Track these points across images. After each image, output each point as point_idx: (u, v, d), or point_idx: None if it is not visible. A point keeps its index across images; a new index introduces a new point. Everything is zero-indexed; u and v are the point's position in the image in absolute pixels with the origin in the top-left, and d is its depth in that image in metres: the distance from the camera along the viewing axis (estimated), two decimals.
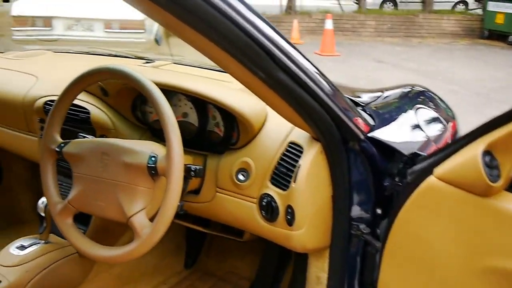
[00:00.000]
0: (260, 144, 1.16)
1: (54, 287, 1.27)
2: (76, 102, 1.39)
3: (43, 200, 1.26)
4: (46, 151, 1.13)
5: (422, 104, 1.44)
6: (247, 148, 1.18)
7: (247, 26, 0.74)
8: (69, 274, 1.32)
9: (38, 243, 1.29)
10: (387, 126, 1.15)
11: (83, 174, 1.07)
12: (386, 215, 1.06)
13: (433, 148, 1.22)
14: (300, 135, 1.10)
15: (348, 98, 1.26)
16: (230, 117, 1.19)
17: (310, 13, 12.36)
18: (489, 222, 0.80)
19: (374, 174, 1.08)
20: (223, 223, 1.29)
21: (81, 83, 1.11)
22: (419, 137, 1.24)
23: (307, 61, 0.89)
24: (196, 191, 1.23)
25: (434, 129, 1.34)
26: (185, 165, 1.09)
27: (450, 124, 1.46)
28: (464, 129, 1.33)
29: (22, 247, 1.26)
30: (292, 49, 0.85)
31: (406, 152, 1.04)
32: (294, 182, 1.05)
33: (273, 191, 1.10)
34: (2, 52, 1.93)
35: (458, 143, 0.84)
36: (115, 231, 1.47)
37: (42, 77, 1.59)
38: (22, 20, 5.45)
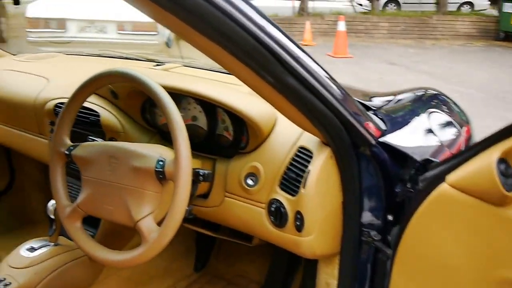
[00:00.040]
0: (269, 149, 1.15)
1: None
2: (86, 104, 1.40)
3: (52, 202, 1.26)
4: (55, 154, 1.13)
5: (435, 108, 1.41)
6: (256, 152, 1.16)
7: (254, 29, 0.73)
8: (78, 276, 1.32)
9: (48, 245, 1.29)
10: (399, 131, 1.13)
11: (91, 178, 1.07)
12: (398, 222, 1.04)
13: (446, 153, 1.19)
14: (309, 139, 1.08)
15: (359, 102, 1.24)
16: (239, 121, 1.18)
17: (322, 15, 12.32)
18: (503, 232, 0.78)
19: (385, 180, 1.06)
20: (232, 228, 1.28)
21: (90, 86, 1.11)
22: (431, 142, 1.21)
23: (316, 65, 0.88)
24: (205, 195, 1.22)
25: (448, 134, 1.31)
26: (193, 169, 1.09)
27: (464, 128, 1.43)
28: (479, 133, 1.30)
29: (32, 249, 1.26)
30: (301, 52, 0.84)
31: (418, 158, 1.02)
32: (304, 187, 1.04)
33: (282, 196, 1.09)
34: (14, 54, 1.95)
35: (472, 149, 0.82)
36: (124, 234, 1.47)
37: (53, 79, 1.60)
38: (36, 22, 5.52)
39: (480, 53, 9.91)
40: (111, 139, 1.37)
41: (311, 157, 1.06)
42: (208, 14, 0.68)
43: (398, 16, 12.38)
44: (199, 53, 0.81)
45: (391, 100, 1.41)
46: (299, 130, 1.09)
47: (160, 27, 5.08)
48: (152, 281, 1.63)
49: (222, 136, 1.26)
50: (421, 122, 1.28)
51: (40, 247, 1.27)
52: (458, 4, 14.28)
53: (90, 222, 1.40)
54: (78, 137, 1.41)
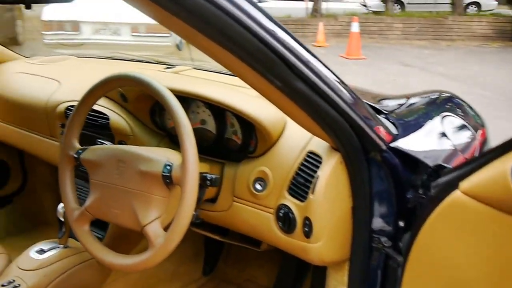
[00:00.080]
0: (278, 153, 1.14)
1: None
2: (96, 107, 1.40)
3: (62, 205, 1.26)
4: (64, 157, 1.13)
5: (450, 111, 1.39)
6: (265, 157, 1.15)
7: (262, 33, 0.72)
8: (87, 279, 1.32)
9: (57, 247, 1.30)
10: (411, 135, 1.11)
11: (99, 181, 1.07)
12: (409, 228, 1.02)
13: (460, 158, 1.17)
14: (319, 144, 1.07)
15: (370, 105, 1.22)
16: (248, 125, 1.17)
17: (336, 16, 12.27)
18: None
19: (396, 185, 1.04)
20: (240, 233, 1.27)
21: (99, 90, 1.11)
22: (445, 147, 1.19)
23: (326, 69, 0.86)
24: (213, 200, 1.21)
25: (462, 138, 1.28)
26: (201, 173, 1.08)
27: (479, 132, 1.40)
28: (495, 136, 1.27)
29: (42, 251, 1.27)
30: (311, 56, 0.82)
31: (430, 163, 1.00)
32: (312, 193, 1.02)
33: (291, 202, 1.07)
34: (28, 57, 1.97)
35: (487, 156, 0.79)
36: (132, 238, 1.47)
37: (64, 82, 1.61)
38: (52, 25, 5.60)
39: (496, 54, 9.76)
40: (120, 142, 1.38)
41: (320, 162, 1.04)
42: (214, 17, 0.67)
43: (412, 17, 12.27)
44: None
45: (403, 104, 1.38)
46: (309, 134, 1.08)
47: None
48: (160, 285, 1.63)
49: (231, 140, 1.25)
50: (434, 126, 1.25)
51: (49, 249, 1.28)
52: (464, 5, 14.10)
53: (99, 225, 1.41)
54: (88, 139, 1.42)
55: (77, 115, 1.13)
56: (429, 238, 0.93)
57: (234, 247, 1.77)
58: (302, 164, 1.08)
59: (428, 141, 1.17)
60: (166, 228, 0.98)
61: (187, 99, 1.26)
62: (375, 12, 13.21)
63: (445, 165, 0.96)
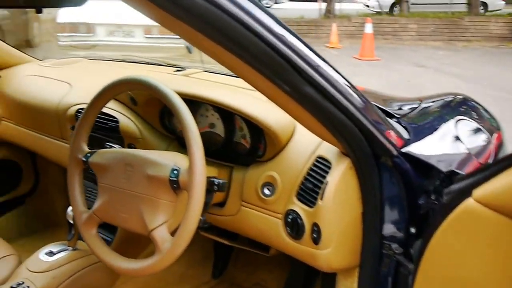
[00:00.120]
0: (287, 158, 1.12)
1: None
2: (106, 110, 1.41)
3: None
4: (73, 161, 1.14)
5: (464, 114, 1.36)
6: (274, 161, 1.14)
7: (269, 37, 0.71)
8: (96, 281, 1.32)
9: (67, 249, 1.30)
10: (424, 140, 1.09)
11: (107, 185, 1.06)
12: (420, 235, 1.00)
13: (474, 163, 1.14)
14: (328, 149, 1.05)
15: (381, 109, 1.20)
16: (257, 129, 1.16)
17: (349, 17, 12.20)
18: None
19: (408, 191, 1.02)
20: (249, 237, 1.26)
21: (107, 94, 1.11)
22: (459, 151, 1.16)
23: (336, 73, 0.85)
24: (221, 204, 1.21)
25: (476, 142, 1.25)
26: (208, 178, 1.07)
27: (495, 135, 1.37)
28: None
29: (51, 253, 1.27)
30: (320, 60, 0.81)
31: (443, 168, 0.97)
32: (321, 199, 1.00)
33: (299, 207, 1.06)
34: (41, 60, 1.99)
35: (501, 163, 0.77)
36: (141, 241, 1.47)
37: (75, 85, 1.62)
38: (67, 27, 5.68)
39: None
40: (129, 145, 1.38)
41: (329, 167, 1.03)
42: (220, 21, 0.66)
43: (427, 17, 12.13)
44: None
45: (416, 107, 1.36)
46: (318, 139, 1.06)
47: None
48: (168, 287, 1.63)
49: (240, 144, 1.24)
50: (448, 129, 1.22)
51: (58, 252, 1.28)
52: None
53: (108, 228, 1.41)
54: (97, 142, 1.42)
55: (86, 118, 1.13)
56: (441, 246, 0.91)
57: (243, 250, 1.76)
58: (311, 169, 1.06)
59: (441, 146, 1.14)
60: (173, 233, 0.98)
61: (196, 103, 1.26)
62: (378, 13, 13.10)
63: (458, 171, 0.94)
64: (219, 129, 1.27)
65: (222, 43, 0.69)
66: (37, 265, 1.23)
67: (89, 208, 1.12)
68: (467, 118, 1.33)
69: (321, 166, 1.05)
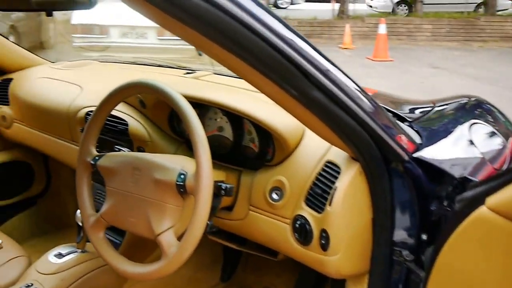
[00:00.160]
0: (295, 162, 1.11)
1: None
2: (115, 113, 1.41)
3: None
4: (81, 164, 1.14)
5: (478, 118, 1.32)
6: (282, 165, 1.13)
7: (277, 42, 0.70)
8: (104, 284, 1.32)
9: (76, 251, 1.31)
10: (436, 144, 1.06)
11: (115, 188, 1.06)
12: (432, 242, 0.98)
13: (488, 168, 1.11)
14: (337, 154, 1.03)
15: (393, 113, 1.18)
16: (265, 132, 1.15)
17: (363, 17, 12.12)
18: None
19: (419, 197, 1.00)
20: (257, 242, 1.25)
21: (115, 97, 1.11)
22: (472, 156, 1.13)
23: (345, 77, 0.83)
24: (229, 208, 1.20)
25: (491, 147, 1.22)
26: (216, 182, 1.07)
27: (510, 139, 1.33)
28: None
29: (60, 255, 1.28)
30: (330, 65, 0.79)
31: (456, 174, 0.95)
32: (330, 205, 0.99)
33: (308, 213, 1.04)
34: (53, 62, 2.01)
35: None
36: (149, 244, 1.46)
37: (86, 87, 1.63)
38: (81, 28, 5.75)
39: None
40: (139, 148, 1.38)
41: (338, 172, 1.01)
42: (226, 25, 0.65)
43: (442, 17, 11.99)
44: None
45: (429, 110, 1.33)
46: (327, 143, 1.05)
47: None
48: None
49: (248, 148, 1.24)
50: (461, 133, 1.20)
51: (67, 254, 1.29)
52: (476, 5, 13.66)
53: (117, 230, 1.41)
54: (107, 145, 1.43)
55: (94, 121, 1.13)
56: (453, 253, 0.89)
57: (252, 254, 1.75)
58: (320, 174, 1.05)
59: (455, 150, 1.11)
60: (180, 238, 0.97)
61: (204, 106, 1.25)
62: (382, 13, 12.98)
63: (471, 178, 0.91)
64: (228, 132, 1.26)
65: (228, 47, 0.68)
66: (46, 267, 1.24)
67: (98, 211, 1.12)
68: (481, 122, 1.30)
69: (330, 171, 1.03)
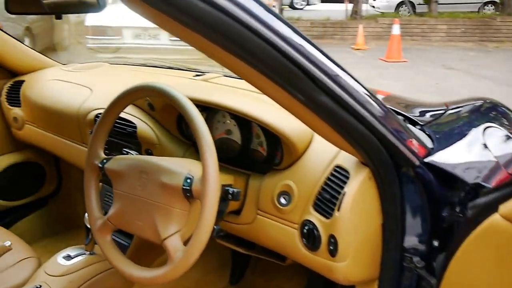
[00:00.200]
0: (304, 166, 1.09)
1: None
2: (124, 115, 1.41)
3: None
4: (89, 166, 1.14)
5: (493, 121, 1.29)
6: (291, 170, 1.11)
7: (284, 46, 0.69)
8: (112, 286, 1.32)
9: (84, 254, 1.31)
10: (449, 149, 1.04)
11: (122, 192, 1.06)
12: (444, 249, 0.96)
13: (502, 173, 1.08)
14: (347, 158, 1.02)
15: (405, 116, 1.16)
16: (274, 136, 1.14)
17: (376, 18, 12.03)
18: None
19: (431, 202, 0.98)
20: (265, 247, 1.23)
21: (123, 100, 1.11)
22: (486, 161, 1.10)
23: (354, 81, 0.82)
24: (237, 212, 1.19)
25: (506, 151, 1.19)
26: (223, 186, 1.06)
27: None
28: None
29: (69, 257, 1.28)
30: (339, 69, 0.78)
31: (469, 179, 0.93)
32: (338, 211, 0.97)
33: (316, 218, 1.03)
34: (64, 64, 2.02)
35: None
36: (157, 248, 1.46)
37: (96, 89, 1.64)
38: (95, 30, 5.81)
39: None
40: (147, 151, 1.38)
41: (347, 177, 0.99)
42: (232, 30, 0.64)
43: (457, 18, 11.84)
44: None
45: (442, 113, 1.30)
46: (336, 148, 1.03)
47: None
48: None
49: (256, 151, 1.23)
50: (475, 137, 1.17)
51: (76, 256, 1.29)
52: (480, 4, 13.43)
53: (126, 233, 1.41)
54: (116, 147, 1.43)
55: (102, 124, 1.13)
56: (465, 261, 0.87)
57: (261, 258, 1.74)
58: (329, 179, 1.03)
59: (467, 155, 1.09)
60: (186, 242, 0.97)
61: (213, 109, 1.24)
62: (383, 14, 12.86)
63: (485, 184, 0.89)
64: (236, 136, 1.25)
65: (232, 51, 0.67)
66: (54, 269, 1.24)
67: (103, 215, 1.12)
68: (496, 125, 1.27)
69: (338, 176, 1.02)
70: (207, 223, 0.91)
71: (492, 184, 0.91)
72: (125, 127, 1.41)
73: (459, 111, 1.37)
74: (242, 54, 0.67)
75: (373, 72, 7.14)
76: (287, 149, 1.12)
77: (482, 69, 7.80)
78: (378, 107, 0.87)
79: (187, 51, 5.17)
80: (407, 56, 8.51)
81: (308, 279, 1.56)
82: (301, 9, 17.16)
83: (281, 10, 13.03)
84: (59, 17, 1.21)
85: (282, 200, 1.10)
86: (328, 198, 1.01)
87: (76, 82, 1.74)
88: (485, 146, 1.14)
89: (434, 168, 0.96)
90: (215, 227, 0.95)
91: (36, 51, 1.99)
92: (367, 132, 0.85)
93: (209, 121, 1.30)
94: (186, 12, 0.60)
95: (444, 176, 0.96)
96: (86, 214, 1.28)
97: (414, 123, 1.14)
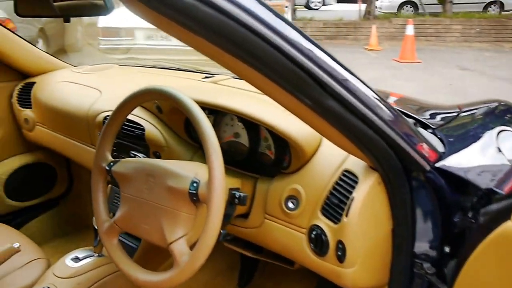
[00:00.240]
0: (312, 170, 1.08)
1: None
2: (132, 118, 1.41)
3: None
4: (97, 169, 1.14)
5: (508, 124, 1.26)
6: (299, 174, 1.10)
7: (289, 50, 0.67)
8: None
9: (92, 255, 1.31)
10: (461, 153, 1.02)
11: (129, 195, 1.06)
12: (455, 255, 0.94)
13: None
14: (355, 163, 1.00)
15: (416, 119, 1.13)
16: (282, 140, 1.12)
17: (390, 18, 11.92)
18: None
19: (442, 207, 0.95)
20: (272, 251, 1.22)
21: (130, 104, 1.11)
22: (500, 165, 1.07)
23: (363, 85, 0.80)
24: (245, 215, 1.18)
25: None
26: (230, 190, 1.05)
27: None
28: None
29: (77, 259, 1.28)
30: (348, 74, 0.77)
31: (482, 185, 0.91)
32: (346, 216, 0.95)
33: (324, 223, 1.01)
34: (75, 66, 2.03)
35: None
36: (164, 251, 1.46)
37: (105, 91, 1.64)
38: (108, 31, 5.86)
39: None
40: (155, 153, 1.37)
41: (356, 182, 0.98)
42: (239, 36, 0.63)
43: (472, 18, 11.67)
44: None
45: (455, 116, 1.28)
46: (345, 152, 1.01)
47: None
48: None
49: (264, 155, 1.22)
50: (488, 141, 1.14)
51: (84, 258, 1.29)
52: (484, 4, 13.19)
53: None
54: (124, 149, 1.43)
55: (109, 127, 1.13)
56: (477, 268, 0.85)
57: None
58: (337, 183, 1.01)
59: (480, 159, 1.06)
60: (192, 246, 0.96)
61: (221, 112, 1.24)
62: (386, 14, 12.75)
63: (497, 190, 0.87)
64: (244, 139, 1.24)
65: (238, 55, 0.66)
66: (63, 271, 1.24)
67: (111, 217, 1.12)
68: (511, 129, 1.24)
69: (347, 181, 1.00)
70: (213, 228, 0.90)
71: (505, 190, 0.88)
72: (133, 129, 1.41)
73: (472, 113, 1.34)
74: (247, 58, 0.66)
75: (387, 73, 7.08)
76: (295, 152, 1.11)
77: (497, 70, 7.67)
78: (387, 111, 0.85)
79: (198, 52, 5.21)
80: (421, 57, 8.41)
81: (317, 283, 1.55)
82: (316, 9, 17.11)
83: (294, 10, 13.00)
84: (67, 20, 1.21)
85: (290, 204, 1.08)
86: (336, 203, 0.99)
87: (85, 84, 1.75)
88: (499, 150, 1.11)
89: (445, 173, 0.94)
90: (221, 231, 0.94)
91: (50, 52, 2.01)
92: (376, 136, 0.84)
93: (217, 124, 1.29)
94: (189, 16, 0.59)
95: (456, 181, 0.94)
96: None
97: (425, 127, 1.12)
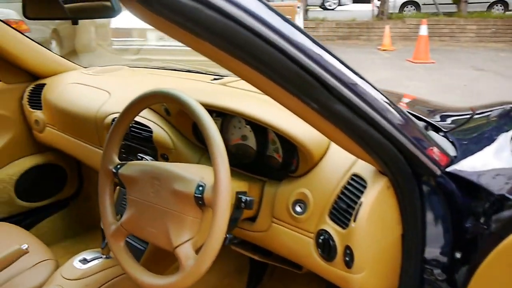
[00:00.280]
0: (320, 174, 1.06)
1: None
2: (140, 120, 1.41)
3: None
4: (103, 171, 1.14)
5: None
6: (306, 177, 1.08)
7: (296, 53, 0.66)
8: None
9: (100, 257, 1.31)
10: (473, 157, 0.99)
11: (135, 198, 1.05)
12: (467, 261, 0.91)
13: None
14: (364, 167, 0.98)
15: (428, 122, 1.11)
16: (290, 143, 1.11)
17: (403, 18, 11.82)
18: None
19: (453, 213, 0.93)
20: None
21: (136, 106, 1.11)
22: None
23: (373, 89, 0.79)
24: (253, 219, 1.16)
25: None
26: (237, 193, 1.04)
27: None
28: None
29: (85, 261, 1.29)
30: (357, 78, 0.76)
31: (494, 190, 0.89)
32: (354, 221, 0.94)
33: (331, 227, 1.00)
34: (85, 67, 2.04)
35: None
36: (171, 254, 1.45)
37: (114, 93, 1.64)
38: (120, 32, 5.91)
39: None
40: (163, 155, 1.37)
41: (365, 186, 0.96)
42: (241, 37, 0.62)
43: (488, 17, 11.51)
44: None
45: (468, 118, 1.25)
46: (353, 156, 1.00)
47: None
48: None
49: (272, 158, 1.20)
50: (501, 145, 1.11)
51: (92, 259, 1.29)
52: (488, 4, 12.99)
53: None
54: (132, 151, 1.43)
55: (116, 130, 1.13)
56: (489, 276, 0.83)
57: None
58: (345, 188, 1.00)
59: (492, 163, 1.03)
60: (198, 250, 0.95)
61: (229, 114, 1.23)
62: (391, 14, 12.61)
63: (510, 196, 0.84)
64: (251, 141, 1.23)
65: (242, 58, 0.65)
66: (71, 272, 1.25)
67: (117, 220, 1.12)
68: None
69: (355, 185, 0.98)
70: (218, 232, 0.89)
71: None
72: (141, 131, 1.41)
73: (486, 116, 1.31)
74: (251, 62, 0.65)
75: (400, 73, 7.01)
76: (303, 156, 1.09)
77: None
78: (397, 115, 0.83)
79: None
80: (435, 57, 8.32)
81: (326, 287, 1.53)
82: (332, 9, 17.03)
83: (306, 11, 12.95)
84: (75, 23, 1.21)
85: (298, 209, 1.07)
86: (344, 208, 0.98)
87: (95, 86, 1.76)
88: None
89: (457, 178, 0.91)
90: (227, 235, 0.93)
91: (63, 53, 2.02)
92: (384, 140, 0.82)
93: (225, 126, 1.28)
94: (193, 19, 0.58)
95: (468, 186, 0.91)
96: None
97: (437, 130, 1.10)
